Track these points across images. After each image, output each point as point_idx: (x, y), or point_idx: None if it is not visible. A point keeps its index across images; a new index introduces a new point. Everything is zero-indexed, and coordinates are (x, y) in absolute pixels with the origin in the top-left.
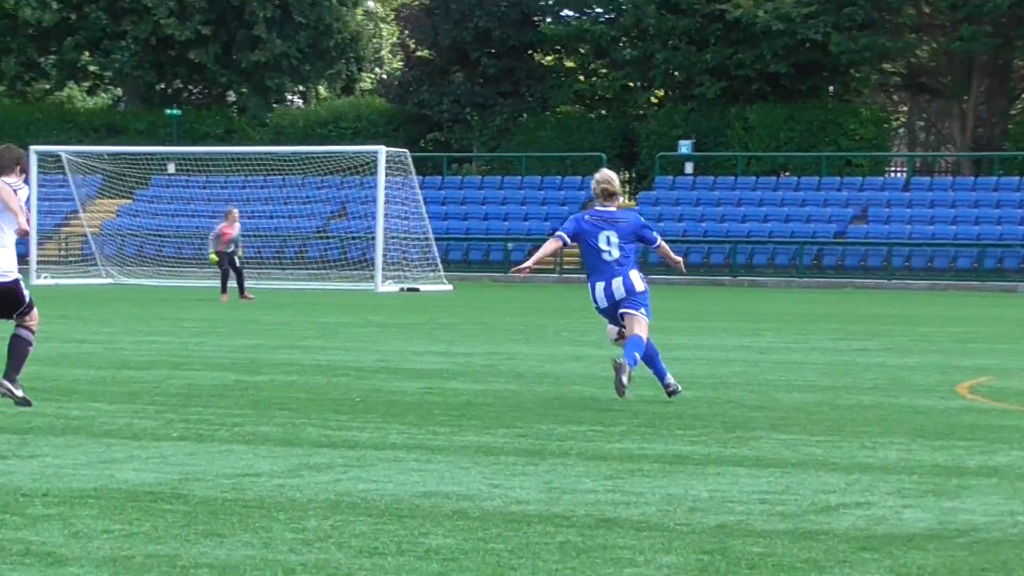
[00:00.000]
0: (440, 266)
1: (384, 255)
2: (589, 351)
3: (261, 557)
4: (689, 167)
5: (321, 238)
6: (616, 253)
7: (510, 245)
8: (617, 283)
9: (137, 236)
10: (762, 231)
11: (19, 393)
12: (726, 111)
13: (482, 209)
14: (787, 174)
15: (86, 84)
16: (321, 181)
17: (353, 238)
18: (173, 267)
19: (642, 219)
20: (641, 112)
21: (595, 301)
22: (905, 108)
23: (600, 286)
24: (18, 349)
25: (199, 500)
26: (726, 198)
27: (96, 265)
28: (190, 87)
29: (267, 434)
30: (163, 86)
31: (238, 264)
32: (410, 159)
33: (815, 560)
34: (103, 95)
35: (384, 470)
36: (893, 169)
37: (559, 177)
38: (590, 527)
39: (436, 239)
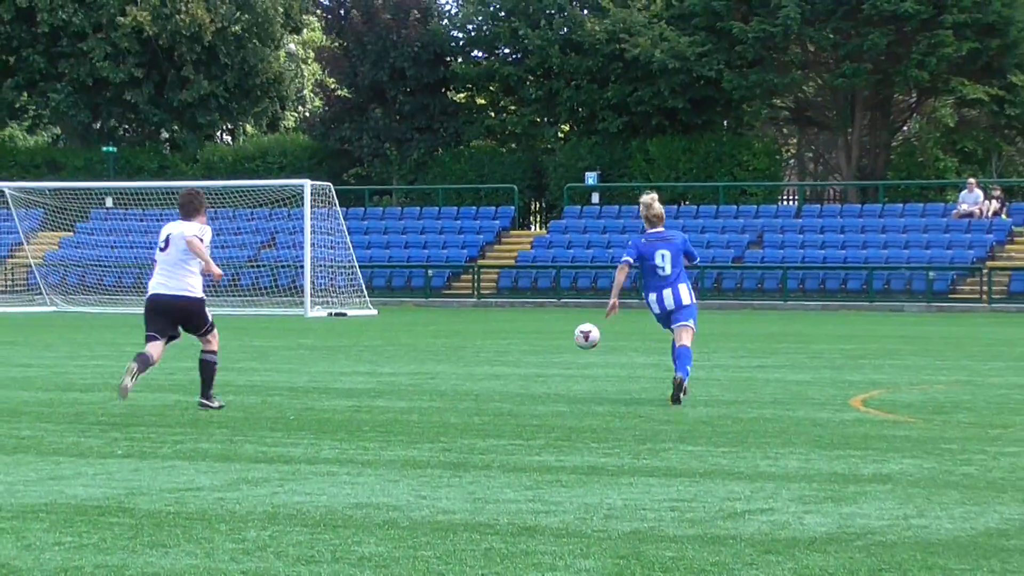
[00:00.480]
0: (365, 292)
1: (312, 282)
2: (506, 370)
3: (204, 566)
4: (595, 197)
5: (252, 267)
6: (668, 269)
7: (430, 272)
8: (667, 294)
9: (79, 266)
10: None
11: (215, 405)
12: (628, 144)
13: (403, 238)
14: (687, 203)
15: (25, 123)
16: (251, 213)
17: (283, 266)
18: (114, 295)
19: (687, 238)
20: (549, 146)
21: (650, 308)
22: (794, 140)
23: (653, 296)
24: (206, 371)
25: (144, 513)
26: (631, 226)
27: (40, 294)
28: (125, 126)
29: (207, 451)
30: (99, 125)
31: None
32: (334, 192)
33: (723, 563)
34: (42, 134)
35: (318, 483)
36: (785, 197)
37: (474, 207)
38: (512, 534)
39: (360, 267)
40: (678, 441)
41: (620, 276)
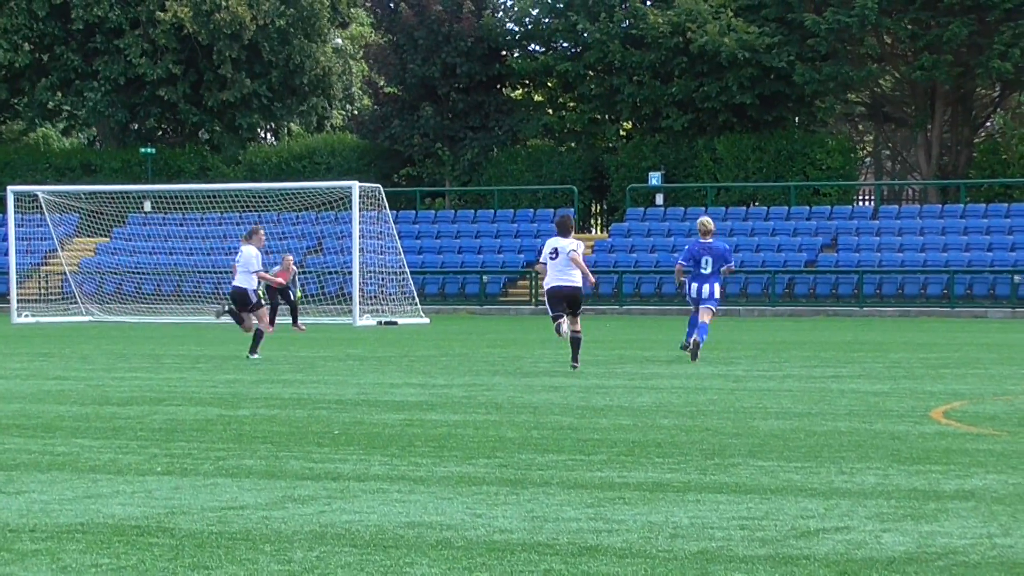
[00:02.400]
0: (417, 299)
1: (361, 289)
2: (566, 381)
3: None
4: (659, 198)
5: (299, 273)
6: (708, 269)
7: (485, 278)
8: (705, 287)
9: (116, 274)
10: (731, 255)
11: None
12: (694, 142)
13: (456, 242)
14: (756, 204)
15: (60, 124)
16: (296, 217)
17: (330, 273)
18: (152, 304)
19: (727, 247)
20: (610, 145)
21: (689, 292)
22: (870, 137)
23: (695, 286)
24: (576, 344)
25: (185, 533)
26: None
27: (76, 303)
28: (163, 126)
29: (251, 467)
30: (136, 125)
31: (292, 298)
32: (383, 194)
33: None
34: (78, 135)
35: (367, 501)
36: (861, 198)
37: (531, 210)
38: (573, 555)
39: (412, 272)
40: (748, 456)
41: (679, 276)
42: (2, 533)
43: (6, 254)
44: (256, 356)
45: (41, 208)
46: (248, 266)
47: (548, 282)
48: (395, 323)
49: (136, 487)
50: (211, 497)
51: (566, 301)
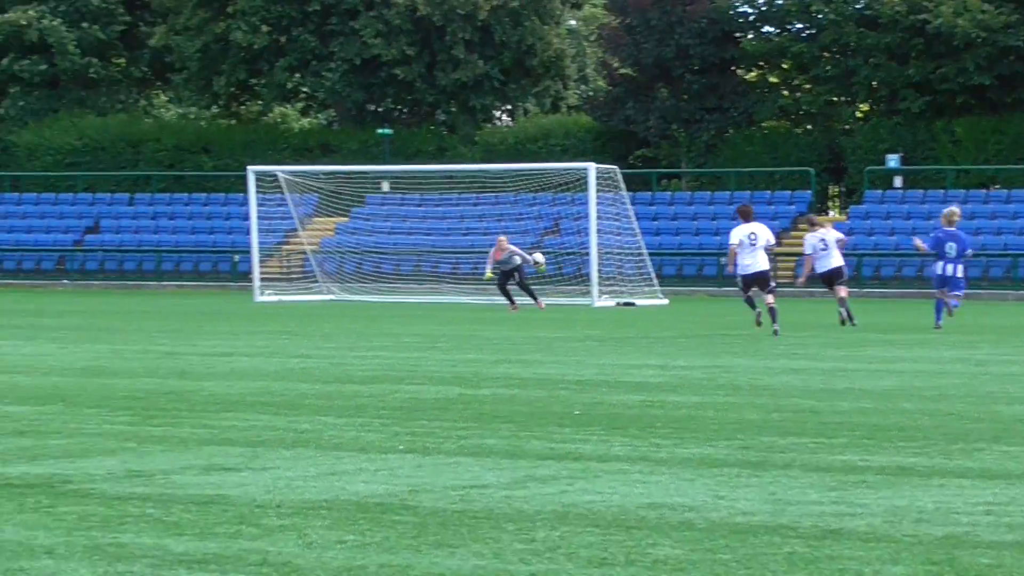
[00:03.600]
0: (655, 280)
1: (599, 270)
2: (806, 363)
3: (492, 567)
4: (898, 181)
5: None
6: (953, 254)
7: (723, 260)
8: (950, 267)
9: (356, 253)
10: (973, 244)
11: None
12: (932, 125)
13: (693, 224)
14: (997, 187)
15: (298, 105)
16: (533, 198)
17: (568, 254)
18: (392, 283)
19: (968, 236)
20: (847, 127)
21: (742, 269)
22: None
23: (939, 264)
24: (774, 313)
25: (428, 511)
26: (936, 212)
27: (317, 282)
28: (399, 107)
29: (492, 447)
30: (373, 106)
31: (517, 280)
32: (620, 175)
33: None
34: (318, 116)
35: (609, 482)
36: None
37: (768, 192)
38: (816, 538)
39: (649, 254)
40: (992, 441)
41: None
42: (250, 508)
43: (248, 233)
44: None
45: (281, 188)
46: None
47: (743, 268)
48: (633, 304)
49: (379, 465)
50: (453, 476)
51: (757, 283)
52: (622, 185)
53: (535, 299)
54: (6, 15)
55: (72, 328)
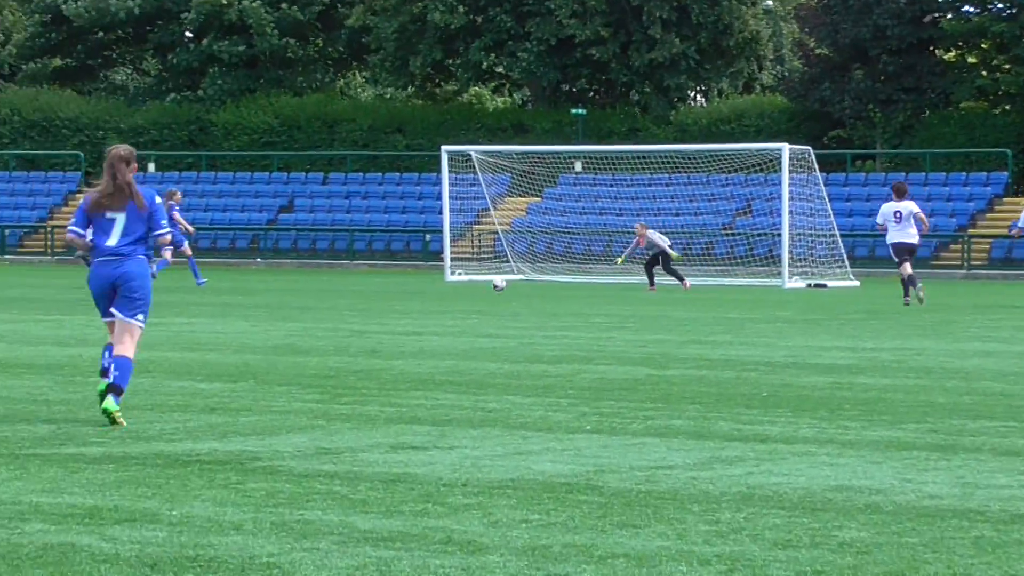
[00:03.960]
0: (846, 262)
1: (790, 251)
2: (998, 347)
3: (676, 548)
4: None
5: (727, 235)
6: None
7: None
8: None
9: (547, 233)
10: None
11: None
12: None
13: None
14: None
15: (492, 85)
16: (725, 179)
17: (759, 235)
18: (582, 263)
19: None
20: None
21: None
22: None
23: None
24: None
25: (613, 491)
26: None
27: (507, 261)
28: (593, 86)
29: (679, 427)
30: (567, 86)
31: (661, 264)
32: (813, 156)
33: None
34: (512, 96)
35: (795, 464)
36: None
37: (963, 173)
38: (1005, 522)
39: (841, 235)
40: None
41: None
42: (436, 487)
43: (440, 213)
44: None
45: (474, 167)
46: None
47: (892, 238)
48: (824, 286)
49: (565, 444)
50: (639, 456)
51: (907, 252)
52: (815, 166)
53: (681, 280)
54: None
55: (264, 306)
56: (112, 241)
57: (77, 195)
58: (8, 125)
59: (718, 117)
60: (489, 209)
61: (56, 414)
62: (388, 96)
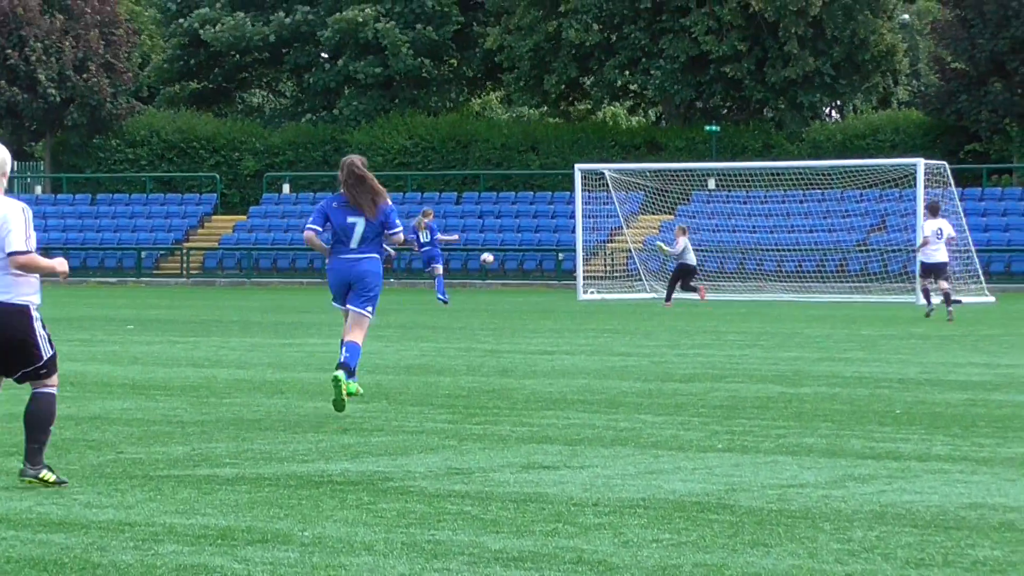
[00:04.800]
0: (982, 278)
1: None
2: None
3: (807, 567)
4: None
5: (862, 251)
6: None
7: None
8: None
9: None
10: None
11: None
12: None
13: (1023, 220)
14: None
15: (626, 103)
16: (860, 195)
17: (893, 251)
18: (715, 281)
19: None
20: None
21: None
22: None
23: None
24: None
25: (745, 510)
26: None
27: (640, 280)
28: (727, 103)
29: (811, 445)
30: (701, 103)
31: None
32: (949, 171)
33: None
34: (648, 114)
35: (928, 482)
36: None
37: None
38: None
39: (977, 251)
40: None
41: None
42: (567, 507)
43: (573, 231)
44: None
45: (607, 186)
46: None
47: (927, 257)
48: (959, 302)
49: (697, 463)
50: (771, 475)
51: (934, 271)
52: (951, 180)
53: (697, 290)
54: (343, 13)
55: (397, 326)
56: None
57: (212, 217)
58: (146, 147)
59: (852, 133)
60: (622, 227)
61: (190, 435)
62: (523, 116)
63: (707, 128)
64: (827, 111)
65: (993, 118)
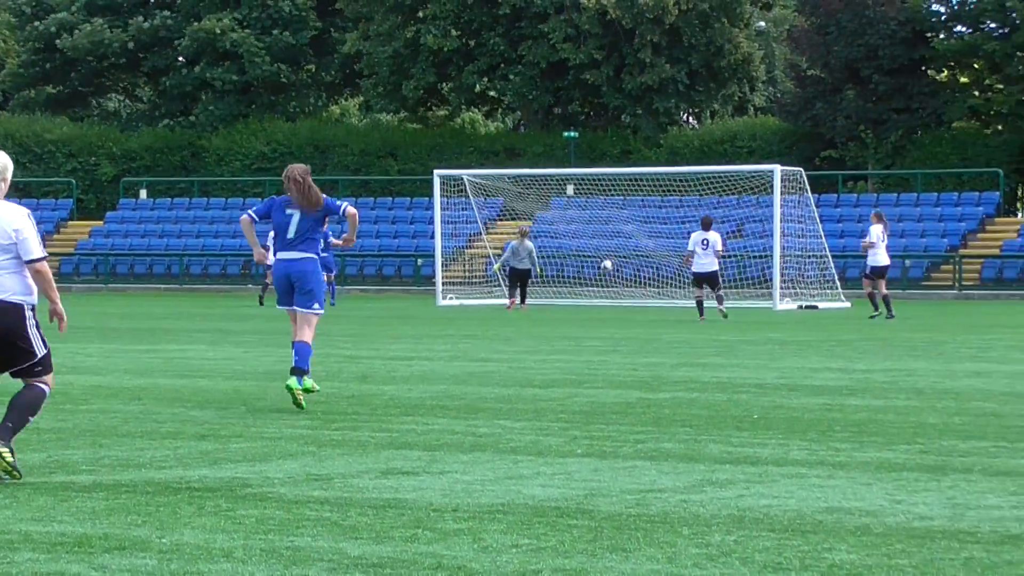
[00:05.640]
0: (838, 283)
1: (781, 273)
2: (990, 367)
3: (666, 572)
4: None
5: (720, 258)
6: None
7: (908, 262)
8: None
9: (539, 256)
10: None
11: None
12: None
13: None
14: None
15: (484, 109)
16: (718, 201)
17: (751, 257)
18: (574, 287)
19: None
20: None
21: None
22: None
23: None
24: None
25: (604, 515)
26: None
27: (499, 286)
28: (585, 110)
29: (670, 451)
30: (559, 109)
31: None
32: (805, 178)
33: None
34: (506, 120)
35: (786, 486)
36: None
37: (955, 193)
38: (995, 543)
39: (833, 256)
40: None
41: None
42: (426, 512)
43: (432, 237)
44: None
45: (466, 191)
46: None
47: (700, 268)
48: (815, 307)
49: (557, 469)
50: (630, 480)
51: (706, 280)
52: (807, 187)
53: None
54: (201, 23)
55: (256, 332)
56: None
57: (69, 223)
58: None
59: (710, 139)
60: (481, 233)
61: (47, 442)
62: (381, 121)
63: (565, 134)
64: (684, 117)
65: (848, 125)
